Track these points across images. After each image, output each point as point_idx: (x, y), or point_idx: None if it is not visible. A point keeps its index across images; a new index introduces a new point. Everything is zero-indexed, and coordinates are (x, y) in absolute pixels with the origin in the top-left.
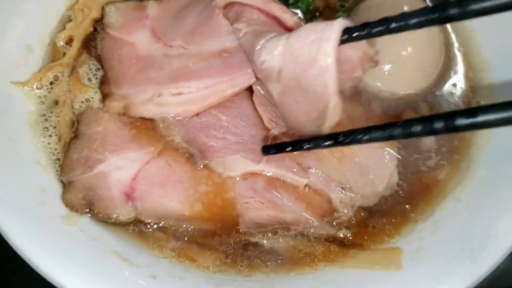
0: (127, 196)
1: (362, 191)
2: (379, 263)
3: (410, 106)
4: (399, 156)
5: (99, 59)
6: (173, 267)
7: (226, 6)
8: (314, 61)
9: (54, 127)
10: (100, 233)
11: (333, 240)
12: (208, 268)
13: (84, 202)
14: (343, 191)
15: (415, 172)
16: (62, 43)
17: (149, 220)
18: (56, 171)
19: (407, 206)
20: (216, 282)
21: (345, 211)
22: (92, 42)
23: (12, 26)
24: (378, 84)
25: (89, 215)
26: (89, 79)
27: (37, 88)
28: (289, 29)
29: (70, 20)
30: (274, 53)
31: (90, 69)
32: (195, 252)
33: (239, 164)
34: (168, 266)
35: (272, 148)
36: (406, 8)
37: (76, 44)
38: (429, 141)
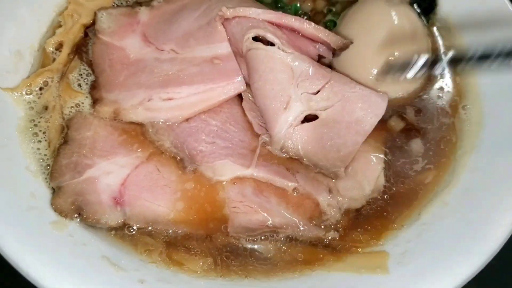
0: (116, 201)
1: (349, 194)
2: (365, 266)
3: (397, 111)
4: (386, 159)
5: (90, 65)
6: (161, 271)
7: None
8: (360, 121)
9: (44, 133)
10: (89, 238)
11: (320, 243)
12: (196, 273)
13: (73, 207)
14: (331, 194)
15: (402, 176)
16: (51, 48)
17: (137, 225)
18: (46, 176)
19: (393, 209)
20: (204, 287)
21: (333, 213)
22: (84, 48)
23: (5, 31)
24: None
25: (78, 220)
26: (80, 85)
27: (27, 94)
28: (306, 37)
29: (60, 26)
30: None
31: (81, 75)
32: (183, 256)
33: (229, 169)
34: (156, 270)
35: None
36: (393, 14)
37: (65, 50)
38: (416, 145)
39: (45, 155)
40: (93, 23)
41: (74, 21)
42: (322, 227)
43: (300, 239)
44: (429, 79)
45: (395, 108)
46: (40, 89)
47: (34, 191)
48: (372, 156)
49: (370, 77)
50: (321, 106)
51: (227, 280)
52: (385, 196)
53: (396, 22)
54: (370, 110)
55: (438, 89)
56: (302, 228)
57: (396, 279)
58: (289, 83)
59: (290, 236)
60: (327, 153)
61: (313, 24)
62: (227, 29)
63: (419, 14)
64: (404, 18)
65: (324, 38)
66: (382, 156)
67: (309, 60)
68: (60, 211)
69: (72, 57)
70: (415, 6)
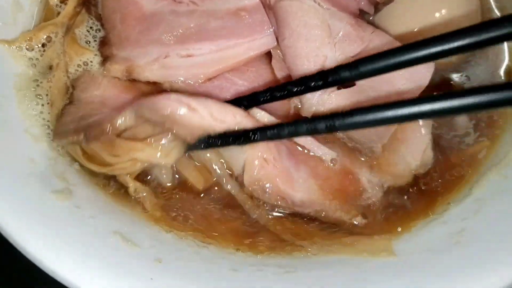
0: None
1: (392, 170)
2: (368, 249)
3: (443, 76)
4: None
5: (99, 19)
6: (181, 248)
7: None
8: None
9: (47, 95)
10: (97, 209)
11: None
12: (223, 250)
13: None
14: (372, 170)
15: (451, 149)
16: (56, 1)
17: None
18: (48, 140)
19: (441, 186)
20: (231, 265)
21: (374, 192)
22: (92, 0)
23: None
24: None
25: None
26: (87, 42)
27: (27, 49)
28: None
29: None
30: None
31: (89, 30)
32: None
33: None
34: (176, 247)
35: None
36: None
37: (71, 3)
38: (462, 121)
39: (48, 120)
40: None
41: None
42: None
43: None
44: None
45: (441, 73)
46: (43, 45)
47: (33, 157)
48: (418, 127)
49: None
50: None
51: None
52: (433, 173)
53: None
54: (413, 80)
55: (489, 53)
56: (326, 208)
57: (454, 261)
58: (325, 41)
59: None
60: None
61: None
62: None
63: None
64: None
65: None
66: (429, 126)
67: (349, 17)
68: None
69: (79, 10)
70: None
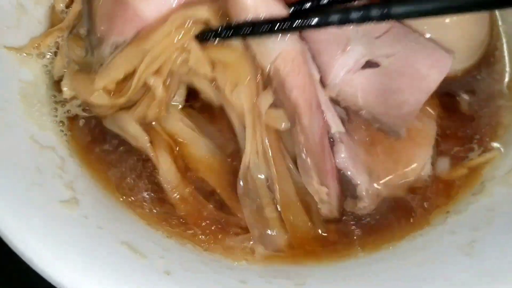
0: None
1: (391, 179)
2: None
3: (448, 91)
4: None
5: None
6: (190, 258)
7: None
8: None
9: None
10: (105, 219)
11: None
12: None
13: None
14: (370, 177)
15: (453, 163)
16: (61, 5)
17: None
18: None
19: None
20: (239, 276)
21: (367, 202)
22: None
23: None
24: None
25: None
26: None
27: (38, 56)
28: None
29: None
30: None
31: None
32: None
33: None
34: (184, 257)
35: None
36: None
37: (76, 6)
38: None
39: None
40: None
41: None
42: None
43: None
44: (485, 56)
45: (446, 88)
46: (55, 53)
47: (40, 165)
48: (420, 142)
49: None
50: (384, 53)
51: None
52: (433, 185)
53: None
54: (435, 66)
55: (495, 68)
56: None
57: (466, 275)
58: None
59: None
60: (388, 109)
61: None
62: None
63: None
64: None
65: None
66: (431, 142)
67: None
68: None
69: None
70: None
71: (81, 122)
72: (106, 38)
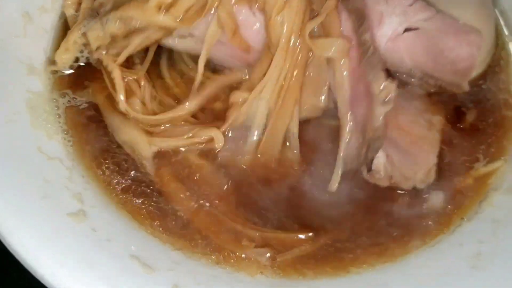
0: None
1: (403, 170)
2: None
3: (454, 101)
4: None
5: None
6: (200, 271)
7: None
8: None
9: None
10: (113, 231)
11: None
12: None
13: None
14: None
15: (457, 173)
16: (72, 11)
17: None
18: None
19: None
20: None
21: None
22: None
23: None
24: None
25: None
26: None
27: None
28: None
29: None
30: None
31: None
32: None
33: None
34: (194, 270)
35: None
36: None
37: (85, 3)
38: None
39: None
40: None
41: None
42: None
43: None
44: (490, 66)
45: (453, 97)
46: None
47: (47, 176)
48: (426, 149)
49: None
50: (420, 18)
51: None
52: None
53: None
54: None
55: (500, 77)
56: None
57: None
58: None
59: None
60: (442, 66)
61: None
62: None
63: None
64: None
65: None
66: (436, 149)
67: None
68: None
69: None
70: None
71: (85, 132)
72: None
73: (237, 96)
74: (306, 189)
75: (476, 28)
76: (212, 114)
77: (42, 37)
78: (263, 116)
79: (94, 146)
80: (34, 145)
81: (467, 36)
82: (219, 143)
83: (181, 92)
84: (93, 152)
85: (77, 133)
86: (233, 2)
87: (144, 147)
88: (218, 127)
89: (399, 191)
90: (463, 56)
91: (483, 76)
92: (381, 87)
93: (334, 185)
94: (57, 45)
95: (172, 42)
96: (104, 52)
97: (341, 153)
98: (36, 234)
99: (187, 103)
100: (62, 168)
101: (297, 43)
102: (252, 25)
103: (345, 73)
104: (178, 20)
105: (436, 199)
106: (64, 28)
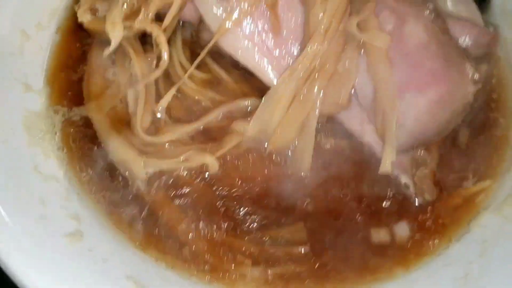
0: None
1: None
2: None
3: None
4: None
5: None
6: None
7: None
8: None
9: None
10: (110, 252)
11: None
12: None
13: None
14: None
15: (451, 191)
16: (88, 16)
17: None
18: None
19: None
20: None
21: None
22: None
23: (3, 7)
24: None
25: None
26: None
27: None
28: None
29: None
30: None
31: None
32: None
33: None
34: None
35: None
36: None
37: None
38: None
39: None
40: None
41: None
42: None
43: None
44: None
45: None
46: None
47: (44, 197)
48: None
49: None
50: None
51: None
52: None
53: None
54: None
55: (491, 96)
56: None
57: None
58: None
59: None
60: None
61: None
62: None
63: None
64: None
65: None
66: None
67: None
68: None
69: None
70: None
71: (81, 151)
72: None
73: (239, 126)
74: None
75: None
76: (208, 134)
77: (39, 54)
78: (288, 99)
79: (90, 166)
80: (31, 165)
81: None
82: (212, 170)
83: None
84: (88, 171)
85: (72, 152)
86: None
87: (138, 168)
88: (213, 152)
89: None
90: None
91: (475, 95)
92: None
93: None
94: (54, 62)
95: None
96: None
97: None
98: (32, 255)
99: (187, 127)
100: (59, 188)
101: (336, 31)
102: (291, 9)
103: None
104: None
105: (402, 231)
106: (61, 44)
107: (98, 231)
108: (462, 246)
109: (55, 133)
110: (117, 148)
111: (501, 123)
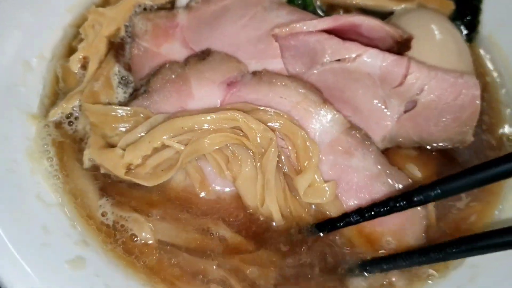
0: None
1: None
2: None
3: None
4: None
5: (128, 68)
6: None
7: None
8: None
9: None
10: (111, 276)
11: None
12: None
13: None
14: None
15: (443, 214)
16: (78, 66)
17: None
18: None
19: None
20: None
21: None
22: (121, 51)
23: (7, 38)
24: None
25: None
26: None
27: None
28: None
29: (81, 40)
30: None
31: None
32: None
33: None
34: None
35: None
36: (435, 29)
37: (92, 66)
38: None
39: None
40: (116, 33)
41: (96, 32)
42: None
43: None
44: None
45: None
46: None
47: (46, 224)
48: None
49: None
50: (414, 92)
51: None
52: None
53: (438, 37)
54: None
55: (483, 119)
56: None
57: None
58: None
59: None
60: (445, 129)
61: (373, 17)
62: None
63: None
64: (448, 34)
65: (387, 30)
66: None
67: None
68: None
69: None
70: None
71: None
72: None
73: None
74: None
75: (467, 71)
76: None
77: (40, 84)
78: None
79: (88, 192)
80: (34, 193)
81: (463, 82)
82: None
83: None
84: (87, 200)
85: (70, 178)
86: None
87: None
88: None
89: None
90: (464, 104)
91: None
92: None
93: None
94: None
95: None
96: None
97: None
98: (35, 282)
99: None
100: (62, 214)
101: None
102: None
103: None
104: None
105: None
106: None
107: (100, 258)
108: (453, 271)
109: (51, 159)
110: None
111: (493, 145)
